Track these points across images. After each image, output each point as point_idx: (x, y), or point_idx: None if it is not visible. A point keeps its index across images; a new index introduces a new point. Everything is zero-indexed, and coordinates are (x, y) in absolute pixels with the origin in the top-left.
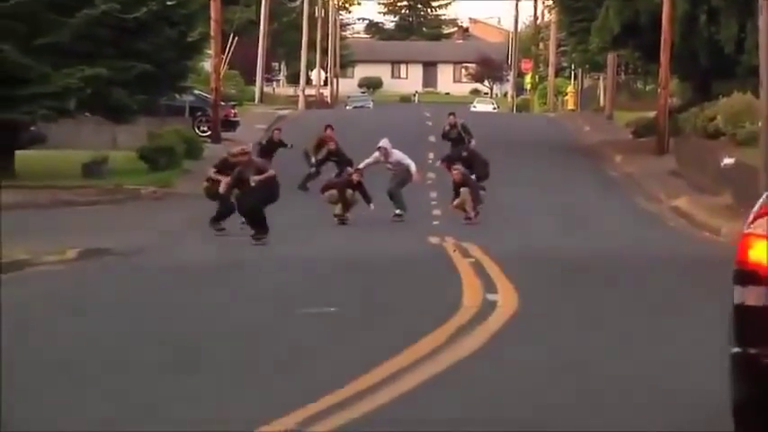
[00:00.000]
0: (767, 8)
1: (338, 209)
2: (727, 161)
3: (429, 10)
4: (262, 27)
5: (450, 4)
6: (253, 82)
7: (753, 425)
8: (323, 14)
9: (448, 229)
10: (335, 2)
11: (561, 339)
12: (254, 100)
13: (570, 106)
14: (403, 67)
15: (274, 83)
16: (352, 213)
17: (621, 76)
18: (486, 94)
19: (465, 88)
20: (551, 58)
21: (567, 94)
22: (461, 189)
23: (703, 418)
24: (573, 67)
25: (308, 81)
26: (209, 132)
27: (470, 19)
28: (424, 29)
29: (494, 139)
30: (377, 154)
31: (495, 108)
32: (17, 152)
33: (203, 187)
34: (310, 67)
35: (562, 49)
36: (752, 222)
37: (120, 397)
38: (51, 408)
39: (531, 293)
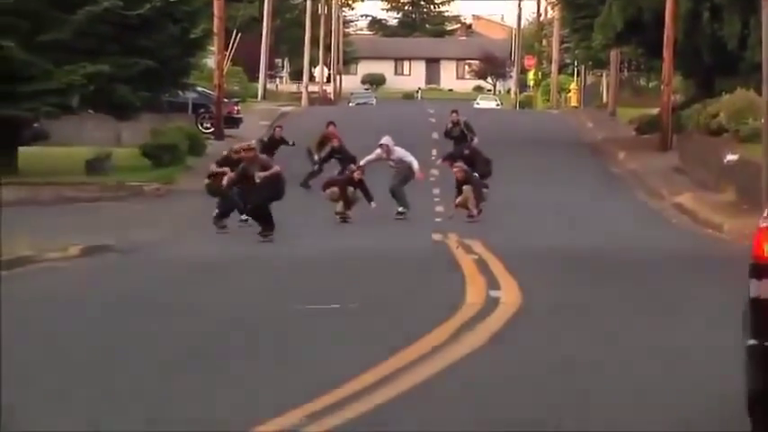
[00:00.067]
0: None
1: (339, 206)
2: (730, 158)
3: (432, 6)
4: (265, 24)
5: (453, 0)
6: (256, 79)
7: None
8: (326, 11)
9: (451, 226)
10: None
11: (564, 336)
12: (257, 97)
13: (573, 103)
14: (406, 63)
15: (277, 80)
16: (354, 211)
17: (624, 73)
18: (490, 90)
19: (468, 85)
20: (554, 55)
21: (570, 90)
22: (464, 187)
23: (710, 417)
24: (576, 64)
25: (311, 78)
26: (212, 129)
27: (473, 16)
28: (427, 25)
29: (497, 136)
30: (378, 151)
31: (498, 105)
32: (20, 149)
33: (205, 184)
34: (313, 63)
35: (565, 45)
36: (767, 216)
37: (118, 396)
38: (51, 407)
39: (534, 290)
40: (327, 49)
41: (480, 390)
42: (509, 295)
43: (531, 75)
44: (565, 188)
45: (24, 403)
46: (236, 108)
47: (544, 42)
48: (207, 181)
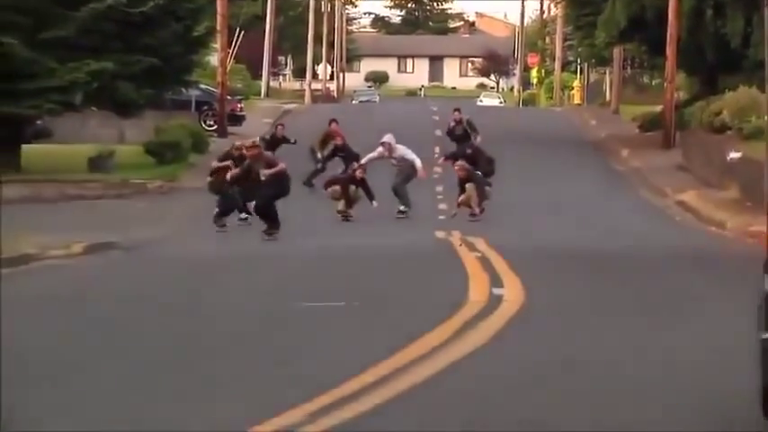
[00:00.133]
0: None
1: (341, 205)
2: (734, 155)
3: (435, 4)
4: (268, 21)
5: None
6: (259, 76)
7: None
8: (329, 9)
9: (454, 224)
10: None
11: (567, 335)
12: (260, 94)
13: (576, 100)
14: (409, 61)
15: (281, 77)
16: (356, 210)
17: (628, 71)
18: (493, 88)
19: (471, 82)
20: (557, 53)
21: (573, 88)
22: (467, 185)
23: (716, 417)
24: (579, 62)
25: (315, 75)
26: (215, 127)
27: (477, 13)
28: (430, 23)
29: (500, 134)
30: (380, 149)
31: (501, 102)
32: (23, 146)
33: (207, 182)
34: (317, 61)
35: (568, 43)
36: None
37: (116, 396)
38: (51, 407)
39: (537, 288)
40: (331, 46)
41: (482, 388)
42: (512, 293)
43: (534, 72)
44: (568, 186)
45: (25, 403)
46: (239, 106)
47: (547, 40)
48: (209, 179)
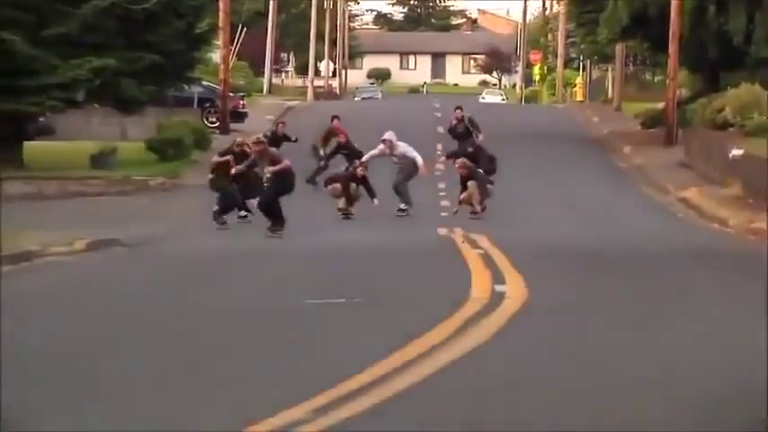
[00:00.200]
0: None
1: (342, 203)
2: (736, 152)
3: (437, 1)
4: (270, 18)
5: None
6: (261, 73)
7: None
8: (331, 5)
9: (456, 221)
10: None
11: (570, 332)
12: (262, 91)
13: (579, 97)
14: (411, 58)
15: (283, 74)
16: (357, 207)
17: (630, 68)
18: (495, 85)
19: (473, 79)
20: (560, 50)
21: (575, 85)
22: (468, 183)
23: (723, 414)
24: (581, 59)
25: (317, 72)
26: (217, 123)
27: (479, 10)
28: (432, 20)
29: (502, 131)
30: (382, 146)
31: (503, 99)
32: (25, 143)
33: (209, 179)
34: (319, 58)
35: (571, 40)
36: None
37: (116, 395)
38: (50, 407)
39: (539, 285)
40: (333, 43)
41: (484, 387)
42: (515, 290)
43: (536, 69)
44: (570, 183)
45: (25, 402)
46: (241, 102)
47: (550, 37)
48: (210, 176)
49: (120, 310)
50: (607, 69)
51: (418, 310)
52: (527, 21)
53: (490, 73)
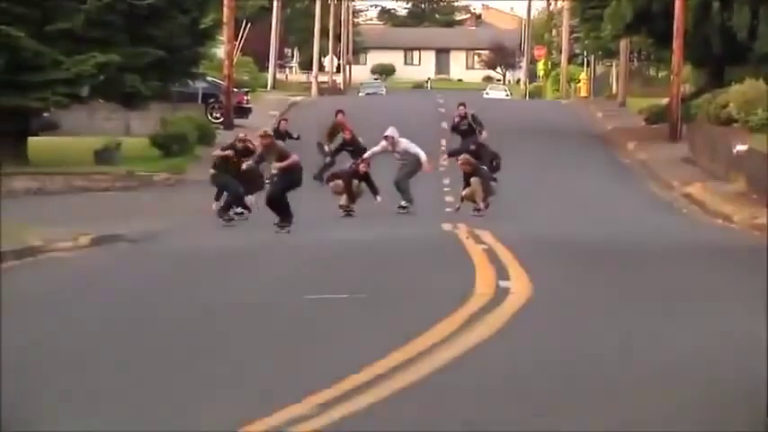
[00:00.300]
0: None
1: (343, 200)
2: (740, 148)
3: None
4: (275, 13)
5: None
6: (265, 68)
7: None
8: (336, 1)
9: (460, 216)
10: None
11: (575, 327)
12: (266, 86)
13: (583, 93)
14: (416, 53)
15: (287, 69)
16: (360, 204)
17: (634, 63)
18: (499, 80)
19: (478, 75)
20: (564, 45)
21: (579, 80)
22: (472, 179)
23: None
24: (586, 54)
25: (321, 68)
26: (221, 119)
27: (483, 6)
28: (436, 15)
29: (506, 126)
30: (384, 143)
31: (507, 95)
32: (30, 138)
33: (210, 175)
34: (323, 53)
35: (575, 35)
36: None
37: (115, 394)
38: (50, 406)
39: (544, 280)
40: (337, 38)
41: (485, 386)
42: (519, 285)
43: (540, 65)
44: (574, 178)
45: (25, 401)
46: (245, 98)
47: (554, 32)
48: (212, 171)
49: (122, 306)
50: (611, 65)
51: (422, 306)
52: (531, 16)
53: (494, 69)
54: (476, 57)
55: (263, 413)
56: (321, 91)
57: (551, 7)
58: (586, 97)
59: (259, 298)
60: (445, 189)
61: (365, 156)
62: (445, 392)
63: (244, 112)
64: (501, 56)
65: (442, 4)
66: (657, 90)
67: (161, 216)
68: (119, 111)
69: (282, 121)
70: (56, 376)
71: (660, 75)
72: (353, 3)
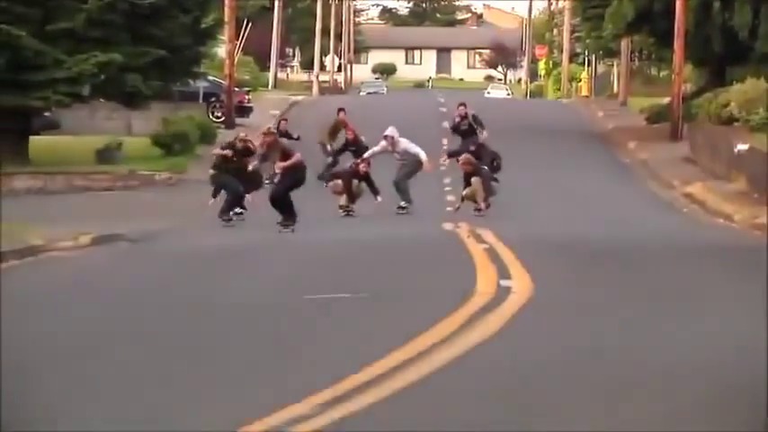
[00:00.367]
0: None
1: (343, 200)
2: (741, 147)
3: None
4: (276, 13)
5: None
6: (267, 68)
7: None
8: (337, 0)
9: (462, 216)
10: None
11: (575, 327)
12: (267, 86)
13: (584, 92)
14: (417, 53)
15: (288, 69)
16: (360, 204)
17: (635, 63)
18: (500, 80)
19: (479, 74)
20: (565, 44)
21: (580, 80)
22: (472, 179)
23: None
24: (587, 54)
25: (322, 67)
26: (222, 118)
27: (484, 5)
28: (437, 15)
29: (507, 126)
30: (383, 143)
31: (508, 94)
32: (31, 138)
33: (210, 175)
34: (324, 52)
35: (576, 35)
36: None
37: (115, 394)
38: (50, 406)
39: (545, 279)
40: (338, 38)
41: (488, 384)
42: (520, 285)
43: (541, 64)
44: (575, 178)
45: (25, 402)
46: (246, 97)
47: (555, 32)
48: (212, 171)
49: (122, 306)
50: (612, 64)
51: (423, 306)
52: (532, 15)
53: (495, 68)
54: (477, 56)
55: (263, 413)
56: (322, 90)
57: (552, 6)
58: (587, 97)
59: (259, 298)
60: (446, 189)
61: (365, 155)
62: (445, 392)
63: (245, 111)
64: (502, 55)
65: (443, 3)
66: (658, 89)
67: (162, 215)
68: (120, 110)
69: (282, 121)
70: (56, 376)
71: (661, 74)
72: (355, 2)
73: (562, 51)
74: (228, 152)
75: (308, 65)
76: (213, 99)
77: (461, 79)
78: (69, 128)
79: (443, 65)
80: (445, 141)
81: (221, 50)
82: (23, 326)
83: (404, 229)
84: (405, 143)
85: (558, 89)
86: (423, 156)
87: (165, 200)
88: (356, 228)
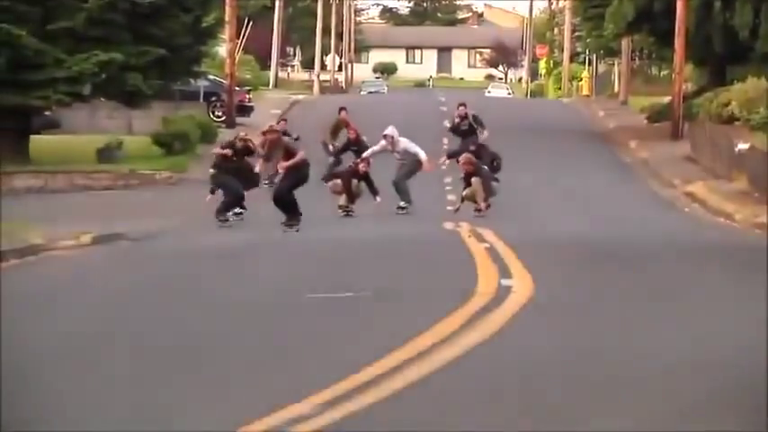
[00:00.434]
0: None
1: (342, 200)
2: (742, 147)
3: None
4: (276, 12)
5: None
6: (267, 67)
7: None
8: (337, 0)
9: (462, 215)
10: None
11: (576, 327)
12: (268, 85)
13: (585, 92)
14: (417, 52)
15: (289, 68)
16: (357, 205)
17: (636, 62)
18: (501, 79)
19: (479, 74)
20: (566, 44)
21: (581, 79)
22: (472, 179)
23: (729, 410)
24: (587, 53)
25: (323, 66)
26: (223, 118)
27: (485, 4)
28: (438, 14)
29: (508, 125)
30: (383, 143)
31: (509, 94)
32: (32, 137)
33: (210, 175)
34: (325, 52)
35: (577, 34)
36: None
37: (113, 394)
38: (49, 406)
39: (546, 279)
40: (339, 37)
41: (488, 384)
42: (521, 284)
43: (542, 63)
44: (576, 177)
45: (25, 402)
46: (247, 96)
47: (555, 31)
48: (212, 171)
49: (122, 305)
50: (613, 63)
51: (423, 305)
52: (533, 15)
53: (496, 67)
54: (477, 55)
55: (263, 413)
56: (323, 89)
57: (553, 6)
58: (588, 96)
59: (259, 297)
60: (447, 188)
61: (364, 155)
62: (445, 392)
63: (246, 110)
64: (503, 54)
65: (443, 2)
66: (659, 89)
67: (162, 215)
68: (120, 109)
69: (282, 122)
70: (56, 376)
71: (662, 73)
72: (355, 1)
73: (563, 51)
74: (228, 151)
75: (308, 64)
76: (214, 98)
77: (462, 79)
78: (70, 127)
79: (444, 64)
80: (446, 141)
81: (222, 50)
82: (23, 326)
83: (405, 228)
84: (404, 143)
85: (559, 88)
86: (422, 155)
87: (166, 199)
88: (356, 227)
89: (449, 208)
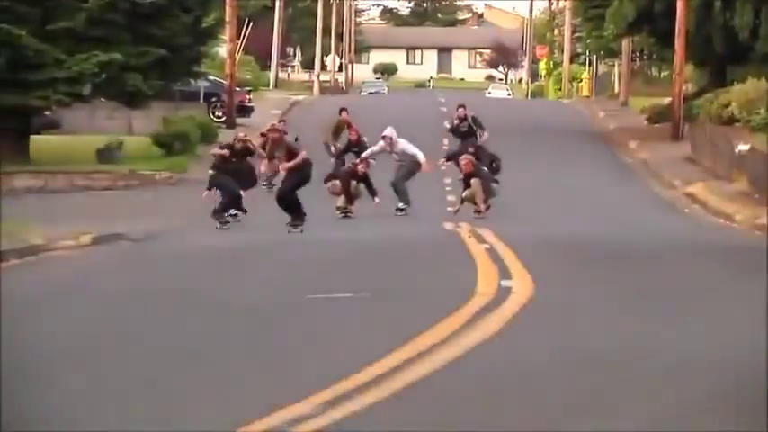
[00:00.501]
0: None
1: (341, 201)
2: (742, 148)
3: None
4: (277, 12)
5: None
6: (267, 67)
7: None
8: (338, 0)
9: (462, 216)
10: None
11: (576, 327)
12: (268, 85)
13: (585, 92)
14: (418, 53)
15: (289, 69)
16: (356, 206)
17: (636, 63)
18: (501, 80)
19: (480, 74)
20: (566, 45)
21: (581, 80)
22: (472, 180)
23: (730, 410)
24: (588, 54)
25: (323, 67)
26: (223, 118)
27: (485, 5)
28: (438, 15)
29: (508, 126)
30: (382, 143)
31: (509, 94)
32: (32, 137)
33: (210, 175)
34: (325, 52)
35: (577, 35)
36: None
37: (113, 395)
38: (49, 406)
39: (546, 280)
40: (339, 38)
41: (488, 384)
42: (521, 285)
43: (542, 64)
44: (576, 178)
45: (25, 402)
46: (247, 97)
47: (556, 32)
48: (211, 172)
49: (122, 306)
50: (613, 64)
51: (423, 306)
52: (533, 15)
53: (496, 68)
54: (478, 56)
55: (263, 413)
56: (323, 90)
57: (553, 7)
58: (588, 97)
59: (259, 297)
60: (447, 189)
61: (363, 156)
62: (445, 392)
63: (246, 111)
64: (503, 55)
65: (444, 3)
66: (659, 90)
67: (162, 215)
68: (120, 109)
69: (281, 122)
70: (56, 376)
71: (662, 74)
72: (356, 2)
73: (563, 51)
74: (226, 152)
75: (308, 64)
76: (214, 99)
77: (462, 79)
78: (70, 127)
79: (444, 65)
80: (446, 141)
81: (222, 50)
82: (23, 326)
83: (404, 229)
84: (403, 144)
85: (559, 89)
86: (421, 156)
87: (166, 199)
88: (356, 228)
89: (449, 209)
